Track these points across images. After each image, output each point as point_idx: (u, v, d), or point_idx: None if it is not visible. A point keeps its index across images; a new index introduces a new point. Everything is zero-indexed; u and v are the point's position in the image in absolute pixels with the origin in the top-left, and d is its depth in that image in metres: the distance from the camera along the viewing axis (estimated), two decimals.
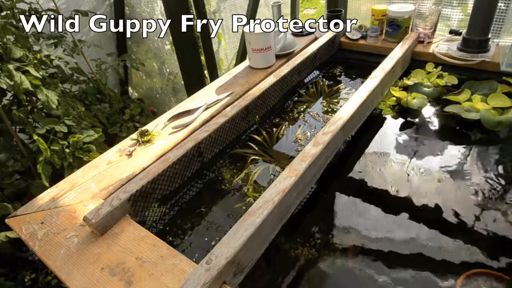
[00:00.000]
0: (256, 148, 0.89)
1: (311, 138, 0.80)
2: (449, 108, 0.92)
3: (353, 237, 0.65)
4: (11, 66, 1.16)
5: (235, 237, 0.52)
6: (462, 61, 1.00)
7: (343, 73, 1.20)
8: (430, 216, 0.67)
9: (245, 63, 1.14)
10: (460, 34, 1.06)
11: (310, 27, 1.33)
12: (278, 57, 1.14)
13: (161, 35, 2.01)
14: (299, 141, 0.90)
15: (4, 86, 1.17)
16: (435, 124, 0.92)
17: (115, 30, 2.12)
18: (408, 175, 0.77)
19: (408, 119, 0.94)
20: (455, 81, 0.99)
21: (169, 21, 1.58)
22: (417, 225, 0.66)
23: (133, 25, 2.09)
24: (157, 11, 1.93)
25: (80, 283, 0.52)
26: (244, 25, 1.21)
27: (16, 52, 1.20)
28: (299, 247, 0.64)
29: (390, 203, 0.71)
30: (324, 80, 1.16)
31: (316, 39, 1.24)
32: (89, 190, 0.70)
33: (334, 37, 1.22)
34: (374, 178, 0.77)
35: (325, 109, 1.02)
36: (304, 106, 1.04)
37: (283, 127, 0.96)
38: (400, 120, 0.94)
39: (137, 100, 2.13)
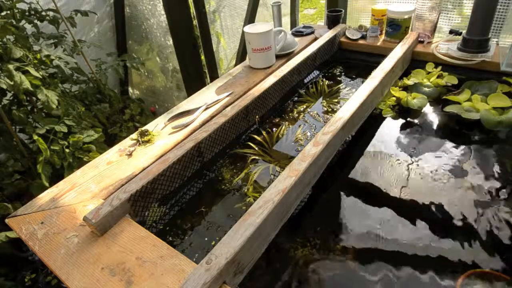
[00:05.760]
0: (256, 148, 0.89)
1: (311, 138, 0.80)
2: (449, 108, 0.92)
3: (353, 237, 0.65)
4: (11, 66, 1.16)
5: (235, 237, 0.52)
6: (462, 61, 1.00)
7: (343, 73, 1.20)
8: (430, 216, 0.67)
9: (245, 63, 1.14)
10: (460, 34, 1.07)
11: (310, 27, 1.33)
12: (278, 57, 1.14)
13: (163, 32, 2.01)
14: (299, 141, 0.90)
15: (4, 86, 1.17)
16: (435, 124, 0.92)
17: (115, 30, 2.12)
18: (408, 175, 0.77)
19: (408, 119, 0.94)
20: (455, 81, 0.99)
21: (169, 20, 1.58)
22: (417, 224, 0.66)
23: (133, 25, 2.09)
24: (159, 7, 1.92)
25: (80, 283, 0.52)
26: (244, 25, 1.21)
27: (16, 52, 1.20)
28: (299, 247, 0.64)
29: (390, 203, 0.71)
30: (324, 80, 1.16)
31: (316, 39, 1.24)
32: (89, 190, 0.70)
33: (334, 37, 1.22)
34: (374, 178, 0.77)
35: (325, 109, 1.02)
36: (304, 106, 1.04)
37: (283, 127, 0.96)
38: (400, 120, 0.94)
39: (137, 100, 2.13)
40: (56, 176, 1.22)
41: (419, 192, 0.72)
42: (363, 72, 1.17)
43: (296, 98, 1.09)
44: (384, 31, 1.19)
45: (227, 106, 0.90)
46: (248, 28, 1.04)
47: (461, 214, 0.67)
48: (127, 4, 2.06)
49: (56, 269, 0.54)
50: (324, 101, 1.06)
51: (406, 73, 1.09)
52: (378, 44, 1.18)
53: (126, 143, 0.82)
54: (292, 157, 0.83)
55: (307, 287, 0.59)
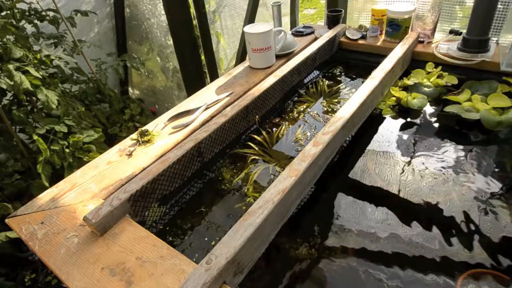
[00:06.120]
0: (256, 148, 0.89)
1: (311, 138, 0.80)
2: (449, 108, 0.92)
3: (353, 237, 0.65)
4: (11, 66, 1.17)
5: (235, 237, 0.52)
6: (462, 61, 1.00)
7: (343, 73, 1.20)
8: (430, 216, 0.67)
9: (245, 63, 1.14)
10: (460, 34, 1.06)
11: (310, 27, 1.33)
12: (278, 57, 1.14)
13: (163, 32, 2.01)
14: (299, 141, 0.90)
15: (4, 86, 1.17)
16: (435, 124, 0.92)
17: (115, 30, 2.12)
18: (408, 174, 0.77)
19: (408, 119, 0.94)
20: (455, 81, 0.99)
21: (169, 20, 1.58)
22: (417, 225, 0.66)
23: (133, 25, 2.09)
24: (159, 7, 1.93)
25: (80, 283, 0.52)
26: (244, 25, 1.21)
27: (16, 52, 1.20)
28: (299, 247, 0.64)
29: (390, 203, 0.71)
30: (324, 80, 1.16)
31: (316, 39, 1.24)
32: (89, 190, 0.70)
33: (334, 37, 1.22)
34: (374, 178, 0.77)
35: (325, 109, 1.02)
36: (304, 106, 1.04)
37: (283, 127, 0.96)
38: (400, 120, 0.94)
39: (137, 100, 2.13)
40: (56, 176, 1.22)
41: (419, 192, 0.72)
42: (363, 72, 1.17)
43: (296, 98, 1.09)
44: (384, 31, 1.19)
45: (227, 106, 0.90)
46: (248, 28, 1.04)
47: (461, 214, 0.67)
48: (127, 4, 2.06)
49: (56, 269, 0.54)
50: (324, 101, 1.06)
51: (406, 73, 1.09)
52: (378, 44, 1.18)
53: (126, 143, 0.82)
54: (292, 157, 0.83)
55: (307, 287, 0.59)
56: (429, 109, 0.97)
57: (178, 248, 0.66)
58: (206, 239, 0.68)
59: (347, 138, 0.89)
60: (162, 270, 0.52)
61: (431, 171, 0.77)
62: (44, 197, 0.69)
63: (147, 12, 2.01)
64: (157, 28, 2.03)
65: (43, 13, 1.51)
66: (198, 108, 0.91)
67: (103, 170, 0.74)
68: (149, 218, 0.71)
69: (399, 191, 0.73)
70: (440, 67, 1.04)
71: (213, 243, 0.67)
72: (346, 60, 1.26)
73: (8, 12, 1.34)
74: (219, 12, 1.95)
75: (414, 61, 1.12)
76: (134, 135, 0.83)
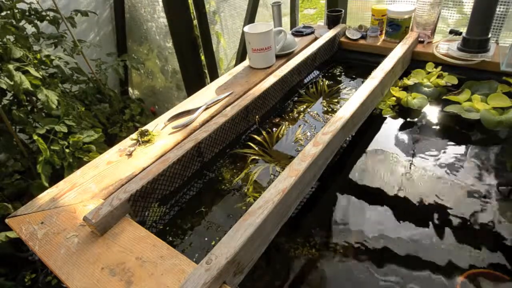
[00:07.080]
0: (256, 148, 0.89)
1: (311, 138, 0.80)
2: (449, 108, 0.92)
3: (353, 237, 0.65)
4: (11, 66, 1.17)
5: (235, 237, 0.52)
6: (462, 61, 1.00)
7: (343, 73, 1.20)
8: (430, 216, 0.67)
9: (245, 63, 1.14)
10: (460, 34, 1.06)
11: (310, 27, 1.33)
12: (278, 57, 1.14)
13: (162, 35, 2.01)
14: (299, 141, 0.90)
15: (4, 86, 1.17)
16: (435, 124, 0.92)
17: (115, 31, 2.12)
18: (408, 175, 0.77)
19: (408, 119, 0.94)
20: (455, 81, 0.99)
21: (169, 21, 1.58)
22: (417, 225, 0.66)
23: (133, 27, 2.09)
24: (158, 9, 1.93)
25: (80, 283, 0.52)
26: (244, 25, 1.21)
27: (16, 52, 1.20)
28: (299, 247, 0.64)
29: (390, 203, 0.71)
30: (324, 80, 1.16)
31: (316, 39, 1.24)
32: (89, 190, 0.70)
33: (334, 37, 1.22)
34: (374, 178, 0.77)
35: (325, 109, 1.02)
36: (304, 106, 1.04)
37: (283, 127, 0.96)
38: (400, 120, 0.94)
39: (137, 100, 2.13)
40: (56, 176, 1.22)
41: (419, 192, 0.72)
42: (363, 72, 1.17)
43: (296, 98, 1.09)
44: (384, 31, 1.19)
45: (227, 106, 0.90)
46: (248, 28, 1.04)
47: (461, 214, 0.67)
48: (127, 4, 2.06)
49: (56, 269, 0.54)
50: (324, 101, 1.06)
51: (406, 73, 1.09)
52: (378, 44, 1.18)
53: (126, 143, 0.82)
54: (292, 157, 0.83)
55: (307, 287, 0.59)
56: (429, 109, 0.97)
57: (178, 248, 0.66)
58: (206, 239, 0.68)
59: (347, 138, 0.89)
60: (162, 270, 0.52)
61: (431, 171, 0.77)
62: (44, 197, 0.69)
63: (145, 14, 2.02)
64: (156, 30, 2.03)
65: (43, 13, 1.51)
66: (198, 108, 0.91)
67: (103, 170, 0.74)
68: (149, 218, 0.71)
69: (399, 191, 0.73)
70: (440, 67, 1.04)
71: (213, 243, 0.67)
72: (346, 60, 1.26)
73: (8, 12, 1.34)
74: (219, 12, 1.95)
75: (414, 61, 1.12)
76: (134, 135, 0.83)
